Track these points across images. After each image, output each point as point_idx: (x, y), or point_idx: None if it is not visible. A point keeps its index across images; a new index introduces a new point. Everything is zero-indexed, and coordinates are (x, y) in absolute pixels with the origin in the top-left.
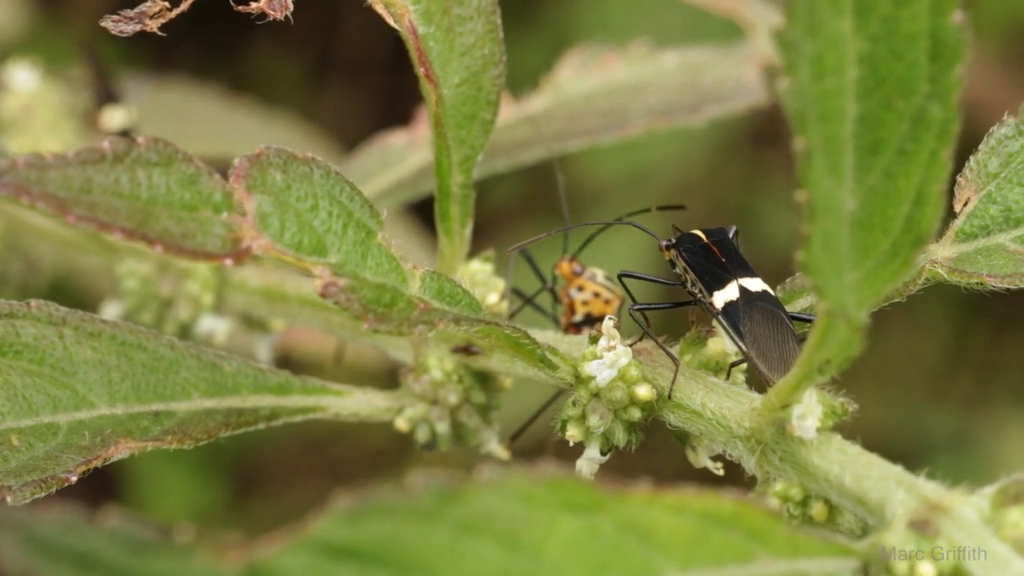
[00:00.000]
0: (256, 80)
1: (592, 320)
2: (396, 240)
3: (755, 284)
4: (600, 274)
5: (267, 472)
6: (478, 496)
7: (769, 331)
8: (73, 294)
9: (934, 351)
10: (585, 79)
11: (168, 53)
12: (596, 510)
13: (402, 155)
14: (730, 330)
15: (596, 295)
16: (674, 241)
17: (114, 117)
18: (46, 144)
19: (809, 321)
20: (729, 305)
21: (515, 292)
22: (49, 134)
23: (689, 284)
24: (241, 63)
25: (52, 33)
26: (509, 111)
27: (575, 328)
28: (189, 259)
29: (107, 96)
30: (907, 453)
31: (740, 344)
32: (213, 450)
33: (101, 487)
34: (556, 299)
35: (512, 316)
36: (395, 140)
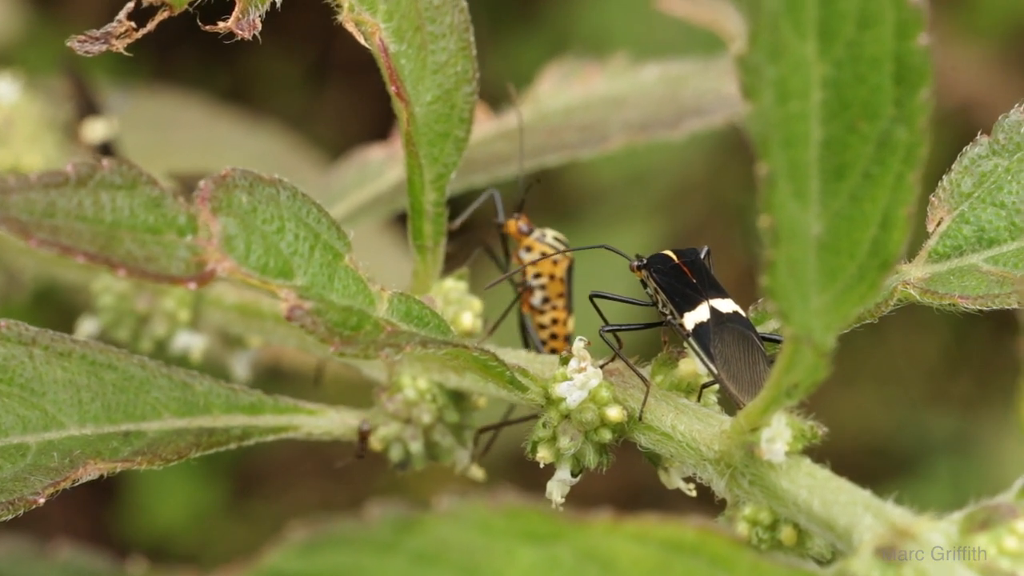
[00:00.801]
0: (256, 80)
1: (543, 285)
2: (364, 262)
3: (726, 305)
4: (550, 234)
5: (267, 472)
6: (436, 526)
7: (740, 353)
8: (56, 308)
9: (934, 351)
10: (565, 93)
11: (169, 53)
12: (556, 539)
13: (380, 170)
14: (701, 351)
15: (544, 256)
16: (644, 261)
17: (95, 129)
18: (27, 157)
19: (781, 342)
20: (700, 326)
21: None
22: (30, 146)
23: (660, 305)
24: (241, 63)
25: (51, 35)
26: (488, 125)
27: (529, 291)
28: (153, 282)
29: (88, 108)
30: (907, 454)
31: (710, 366)
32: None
33: (102, 488)
34: (508, 259)
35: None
36: (373, 155)
